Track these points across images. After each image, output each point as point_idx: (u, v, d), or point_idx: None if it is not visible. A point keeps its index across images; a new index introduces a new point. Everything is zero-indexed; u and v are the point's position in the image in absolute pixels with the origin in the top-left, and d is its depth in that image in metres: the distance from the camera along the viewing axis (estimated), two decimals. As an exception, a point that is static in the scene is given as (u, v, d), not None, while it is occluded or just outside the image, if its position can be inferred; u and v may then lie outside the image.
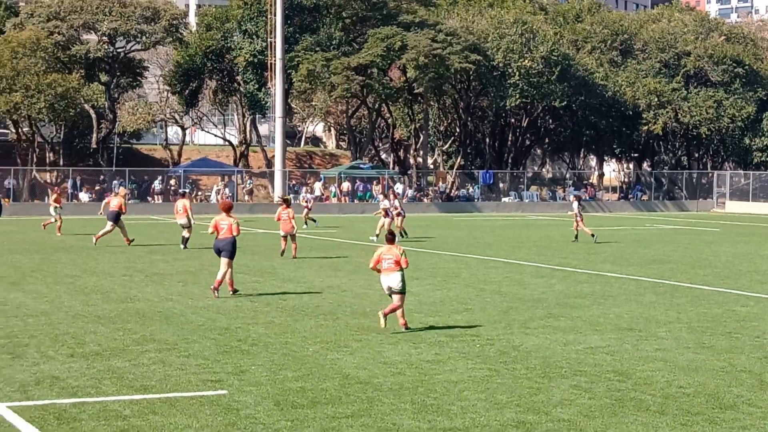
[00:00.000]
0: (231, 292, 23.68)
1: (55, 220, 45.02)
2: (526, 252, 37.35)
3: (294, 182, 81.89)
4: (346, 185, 78.71)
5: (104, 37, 77.52)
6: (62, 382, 14.18)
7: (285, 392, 13.73)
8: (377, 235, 41.10)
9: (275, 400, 13.25)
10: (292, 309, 21.52)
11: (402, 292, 18.66)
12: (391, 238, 19.26)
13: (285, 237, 33.90)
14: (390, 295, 18.87)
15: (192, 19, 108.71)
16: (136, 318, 20.07)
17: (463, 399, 13.42)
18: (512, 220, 64.67)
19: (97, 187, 75.45)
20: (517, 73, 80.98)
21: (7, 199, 53.61)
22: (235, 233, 23.37)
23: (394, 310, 18.76)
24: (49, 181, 77.14)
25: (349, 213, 71.94)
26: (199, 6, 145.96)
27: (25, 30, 73.89)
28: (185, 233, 37.33)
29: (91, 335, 17.99)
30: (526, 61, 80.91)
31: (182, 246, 36.98)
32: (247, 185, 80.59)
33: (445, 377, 14.77)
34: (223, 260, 23.36)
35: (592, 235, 42.93)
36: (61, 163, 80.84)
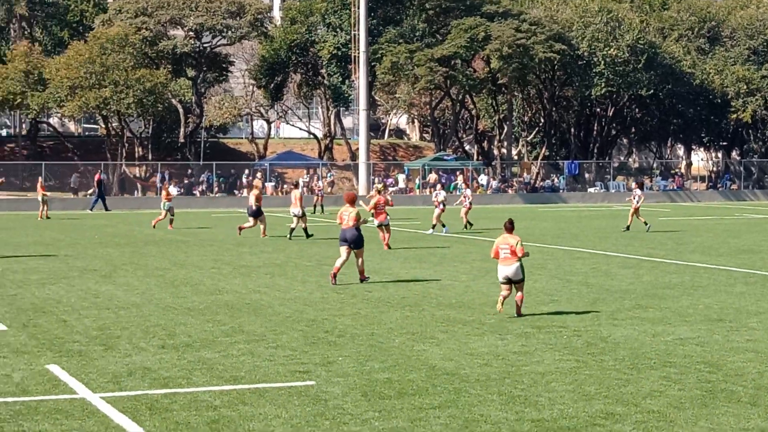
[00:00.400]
0: (361, 280, 24.41)
1: (165, 217, 43.70)
2: (613, 243, 37.06)
3: (376, 175, 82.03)
4: (432, 176, 78.43)
5: (191, 33, 78.37)
6: (154, 373, 14.40)
7: (372, 383, 13.80)
8: (434, 227, 41.12)
9: (363, 391, 13.33)
10: (378, 300, 21.61)
11: (521, 281, 19.23)
12: (510, 227, 19.55)
13: (379, 227, 34.07)
14: (504, 284, 19.27)
15: (276, 13, 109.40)
16: (225, 310, 20.29)
17: (550, 390, 13.39)
18: (598, 210, 64.18)
19: (185, 181, 76.33)
20: (603, 62, 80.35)
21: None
22: (359, 222, 24.13)
23: (510, 299, 19.41)
24: (138, 175, 78.23)
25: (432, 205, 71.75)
26: (283, 0, 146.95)
27: (113, 26, 74.95)
28: (295, 224, 38.00)
29: (181, 327, 18.24)
30: (612, 49, 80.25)
31: (288, 237, 37.69)
32: (329, 177, 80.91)
33: (532, 368, 14.74)
34: (342, 249, 24.12)
35: (645, 223, 42.41)
36: (150, 157, 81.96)
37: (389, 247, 33.41)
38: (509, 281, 19.22)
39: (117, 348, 16.24)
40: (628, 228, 42.54)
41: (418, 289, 23.53)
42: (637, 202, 42.72)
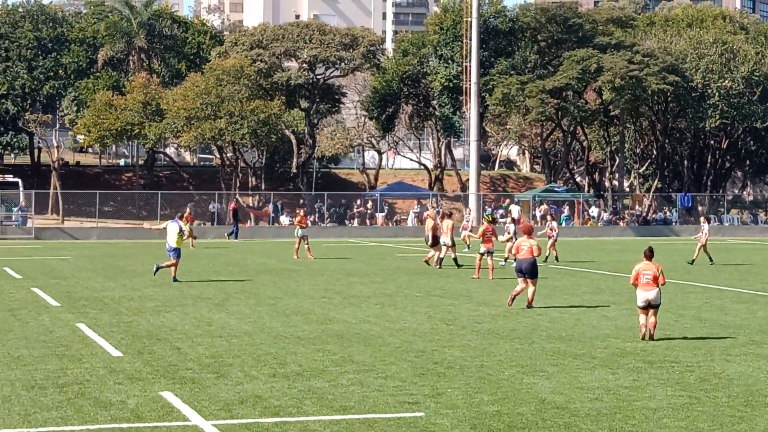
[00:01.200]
0: (528, 307, 25.48)
1: (301, 244, 43.39)
2: (727, 277, 36.48)
3: (487, 206, 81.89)
4: (543, 207, 77.95)
5: (304, 64, 79.26)
6: (265, 402, 14.60)
7: (481, 416, 13.82)
8: (506, 259, 40.58)
9: (472, 423, 13.35)
10: (488, 332, 21.60)
11: (658, 306, 20.49)
12: (650, 254, 20.62)
13: (487, 254, 34.40)
14: (644, 309, 20.27)
15: (389, 45, 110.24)
16: (335, 339, 20.47)
17: (662, 426, 13.27)
18: (711, 244, 63.11)
19: (297, 211, 77.00)
20: (717, 94, 79.33)
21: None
22: (535, 254, 25.47)
23: (653, 325, 20.45)
24: (251, 205, 79.18)
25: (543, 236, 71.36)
26: (395, 32, 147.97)
27: (229, 58, 76.15)
28: (444, 252, 38.57)
29: (292, 356, 18.45)
30: (726, 81, 79.20)
31: (438, 266, 38.33)
32: (439, 208, 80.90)
33: (643, 404, 14.62)
34: (520, 279, 25.60)
35: (709, 258, 41.88)
36: (263, 187, 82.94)
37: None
38: (649, 305, 20.22)
39: (229, 376, 16.49)
40: (692, 262, 42.08)
41: (528, 321, 23.46)
42: (705, 237, 42.28)
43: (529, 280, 25.50)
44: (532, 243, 25.53)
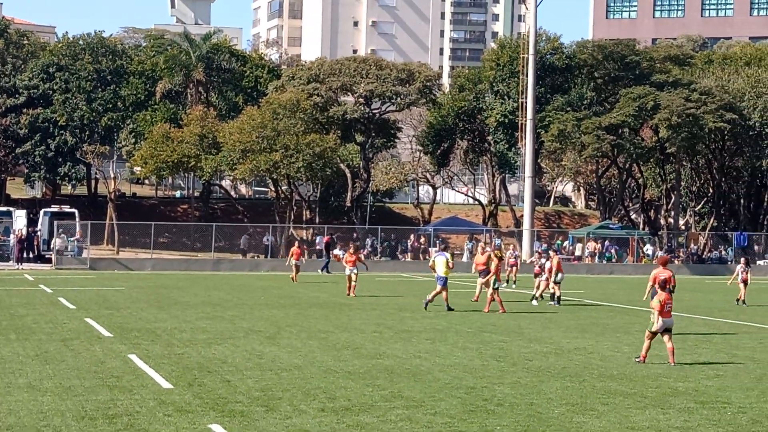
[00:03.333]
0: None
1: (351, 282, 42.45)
2: (783, 318, 36.06)
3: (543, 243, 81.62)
4: (591, 245, 77.90)
5: (360, 99, 79.66)
6: (313, 436, 14.60)
7: (529, 454, 13.74)
8: (535, 297, 40.30)
9: (519, 462, 13.27)
10: (538, 370, 21.48)
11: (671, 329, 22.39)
12: (664, 286, 22.68)
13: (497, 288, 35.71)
14: (662, 333, 22.15)
15: (445, 80, 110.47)
16: (385, 374, 20.44)
17: (711, 468, 13.12)
18: (767, 283, 62.55)
19: (350, 245, 77.13)
20: (775, 133, 78.75)
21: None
22: (672, 284, 25.70)
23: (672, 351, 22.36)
24: (305, 238, 79.47)
25: (597, 273, 71.11)
26: (452, 68, 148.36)
27: (286, 92, 76.71)
28: (559, 290, 39.21)
29: (341, 390, 18.44)
30: (785, 120, 78.59)
31: (557, 303, 38.95)
32: (495, 244, 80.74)
33: (693, 445, 14.47)
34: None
35: (743, 302, 41.49)
36: (317, 220, 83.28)
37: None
38: (667, 331, 22.17)
39: (278, 409, 16.51)
40: (742, 302, 41.60)
41: (579, 359, 23.31)
42: (743, 277, 41.90)
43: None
44: (669, 273, 26.33)
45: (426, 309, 35.04)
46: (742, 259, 45.17)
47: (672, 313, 22.30)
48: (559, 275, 39.29)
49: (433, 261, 36.53)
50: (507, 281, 49.88)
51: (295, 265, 52.43)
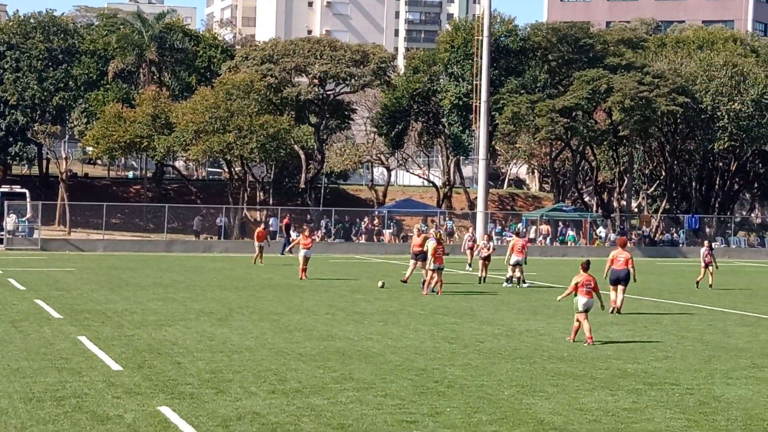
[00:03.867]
0: (618, 311, 29.54)
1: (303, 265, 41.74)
2: (732, 299, 36.42)
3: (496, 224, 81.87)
4: (544, 228, 78.34)
5: (315, 80, 79.39)
6: (262, 418, 14.58)
7: (479, 435, 13.78)
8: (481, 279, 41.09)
9: (469, 443, 13.32)
10: (489, 351, 21.57)
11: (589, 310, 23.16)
12: (586, 266, 23.60)
13: (437, 270, 35.36)
14: (582, 312, 22.92)
15: (400, 62, 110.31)
16: (336, 356, 20.44)
17: (659, 449, 13.22)
18: (719, 266, 63.04)
19: (304, 226, 77.00)
20: (726, 116, 79.34)
21: None
22: (631, 265, 29.59)
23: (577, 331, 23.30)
24: (259, 219, 79.24)
25: (550, 256, 71.46)
26: (407, 49, 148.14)
27: (239, 73, 76.30)
28: (514, 271, 39.58)
29: (292, 372, 18.42)
30: (736, 104, 79.19)
31: (518, 284, 39.40)
32: (448, 226, 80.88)
33: (642, 426, 14.58)
34: (620, 287, 29.66)
35: (710, 285, 41.44)
36: (271, 202, 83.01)
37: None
38: (586, 310, 22.95)
39: (228, 392, 16.47)
40: (709, 285, 41.62)
41: (530, 341, 23.43)
42: (707, 260, 41.86)
43: (622, 288, 29.65)
44: (627, 255, 29.88)
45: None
46: (706, 243, 44.95)
47: (592, 294, 23.11)
48: (513, 257, 39.38)
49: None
50: (470, 265, 49.89)
51: (259, 247, 52.10)
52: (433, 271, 35.30)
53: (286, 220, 68.54)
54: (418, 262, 37.40)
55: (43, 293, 32.77)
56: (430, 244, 35.65)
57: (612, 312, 29.32)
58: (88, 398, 15.67)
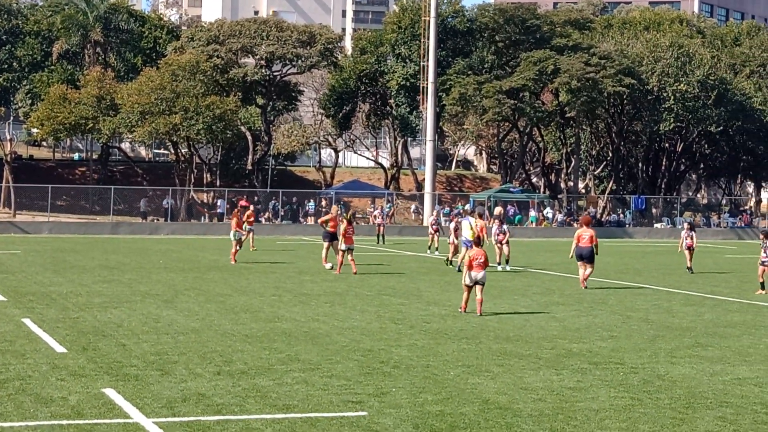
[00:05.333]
0: (584, 287, 31.34)
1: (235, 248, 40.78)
2: (677, 279, 36.73)
3: (445, 205, 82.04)
4: (497, 209, 78.46)
5: (261, 61, 79.07)
6: (208, 400, 14.51)
7: (424, 415, 13.80)
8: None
9: (414, 423, 13.33)
10: (436, 332, 21.60)
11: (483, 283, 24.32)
12: (478, 242, 25.40)
13: (348, 250, 35.71)
14: (473, 286, 24.10)
15: (347, 43, 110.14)
16: (283, 337, 20.39)
17: (603, 428, 13.31)
18: (664, 246, 63.64)
19: (251, 208, 76.74)
20: (672, 97, 79.94)
21: None
22: (594, 242, 31.20)
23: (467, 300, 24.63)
24: (205, 201, 78.87)
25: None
26: (355, 30, 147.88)
27: (185, 54, 75.80)
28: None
29: (238, 354, 18.36)
30: (682, 85, 79.82)
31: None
32: (388, 208, 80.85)
33: (586, 405, 14.66)
34: (580, 264, 31.56)
35: (689, 268, 40.39)
36: (218, 183, 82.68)
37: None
38: (477, 283, 24.03)
39: (173, 373, 16.38)
40: (688, 269, 40.82)
41: (476, 321, 23.49)
42: (688, 243, 40.77)
43: (587, 265, 31.31)
44: (591, 232, 31.31)
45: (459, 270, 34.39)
46: (686, 224, 43.15)
47: (483, 268, 24.02)
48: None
49: (457, 225, 39.73)
50: (429, 248, 49.86)
51: (248, 231, 46.56)
52: (344, 251, 35.69)
53: (243, 201, 67.52)
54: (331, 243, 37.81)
55: (-13, 276, 32.41)
56: (341, 226, 36.36)
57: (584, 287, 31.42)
58: (32, 380, 15.53)
